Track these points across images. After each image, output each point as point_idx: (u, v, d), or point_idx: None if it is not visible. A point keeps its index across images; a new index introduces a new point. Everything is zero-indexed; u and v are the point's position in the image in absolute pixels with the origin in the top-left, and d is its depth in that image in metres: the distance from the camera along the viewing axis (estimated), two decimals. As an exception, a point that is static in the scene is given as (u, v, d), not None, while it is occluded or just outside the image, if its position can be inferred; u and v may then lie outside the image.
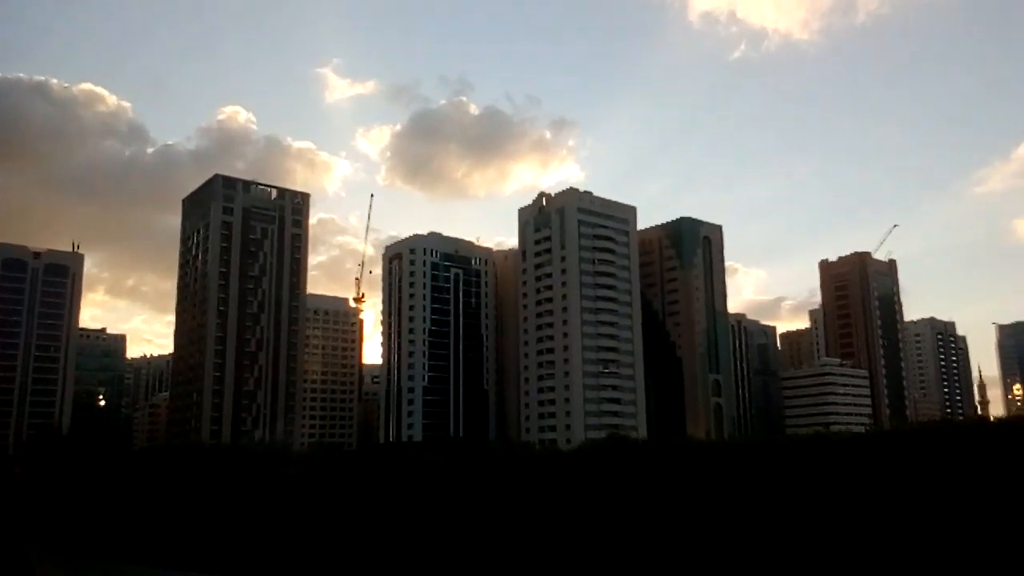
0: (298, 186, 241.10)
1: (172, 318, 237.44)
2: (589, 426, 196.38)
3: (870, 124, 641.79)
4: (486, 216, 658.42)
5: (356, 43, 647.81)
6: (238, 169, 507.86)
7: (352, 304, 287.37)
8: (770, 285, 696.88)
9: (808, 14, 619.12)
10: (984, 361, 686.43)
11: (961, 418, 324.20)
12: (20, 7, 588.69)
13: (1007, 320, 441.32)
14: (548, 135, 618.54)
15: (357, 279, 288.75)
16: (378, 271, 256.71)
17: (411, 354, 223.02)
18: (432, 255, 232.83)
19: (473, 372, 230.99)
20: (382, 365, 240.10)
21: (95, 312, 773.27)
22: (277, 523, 79.14)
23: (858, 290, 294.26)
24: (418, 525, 73.99)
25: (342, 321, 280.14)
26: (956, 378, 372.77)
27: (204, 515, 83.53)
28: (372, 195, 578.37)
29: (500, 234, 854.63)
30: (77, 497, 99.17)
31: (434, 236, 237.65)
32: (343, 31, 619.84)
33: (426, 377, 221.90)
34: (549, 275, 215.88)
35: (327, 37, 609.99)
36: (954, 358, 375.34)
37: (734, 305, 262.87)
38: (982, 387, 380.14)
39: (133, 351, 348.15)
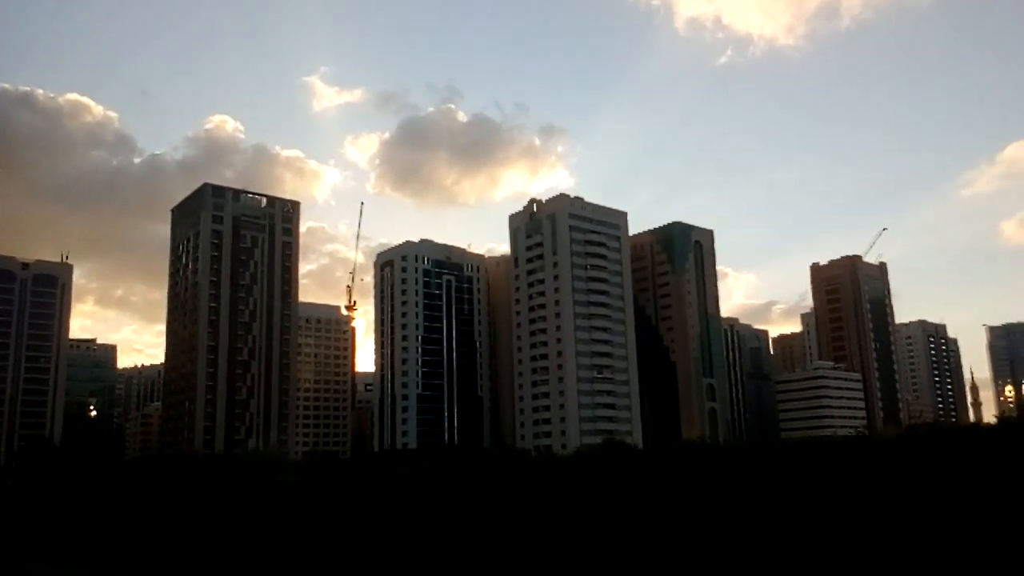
0: (287, 195, 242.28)
1: (162, 328, 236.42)
2: (584, 432, 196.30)
3: (856, 128, 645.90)
4: (476, 223, 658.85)
5: (344, 51, 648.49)
6: (226, 178, 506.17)
7: (344, 312, 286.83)
8: (760, 289, 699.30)
9: (793, 19, 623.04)
10: (975, 363, 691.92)
11: (954, 419, 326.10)
12: (5, 17, 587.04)
13: (997, 322, 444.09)
14: (537, 142, 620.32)
15: (349, 287, 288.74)
16: (369, 279, 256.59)
17: (404, 361, 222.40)
18: (424, 262, 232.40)
19: (467, 379, 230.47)
20: (375, 373, 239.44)
21: (84, 323, 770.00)
22: (271, 532, 78.49)
23: (849, 293, 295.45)
24: (414, 533, 73.44)
25: (334, 329, 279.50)
26: (948, 380, 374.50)
27: (198, 525, 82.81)
28: (362, 203, 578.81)
29: (491, 241, 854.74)
30: (70, 508, 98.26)
31: (426, 243, 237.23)
32: (330, 39, 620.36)
33: (420, 384, 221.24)
34: (541, 281, 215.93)
35: (315, 45, 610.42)
36: (946, 360, 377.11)
37: (725, 310, 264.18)
38: (974, 389, 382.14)
39: (123, 361, 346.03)
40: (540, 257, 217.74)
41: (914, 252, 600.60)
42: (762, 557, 58.03)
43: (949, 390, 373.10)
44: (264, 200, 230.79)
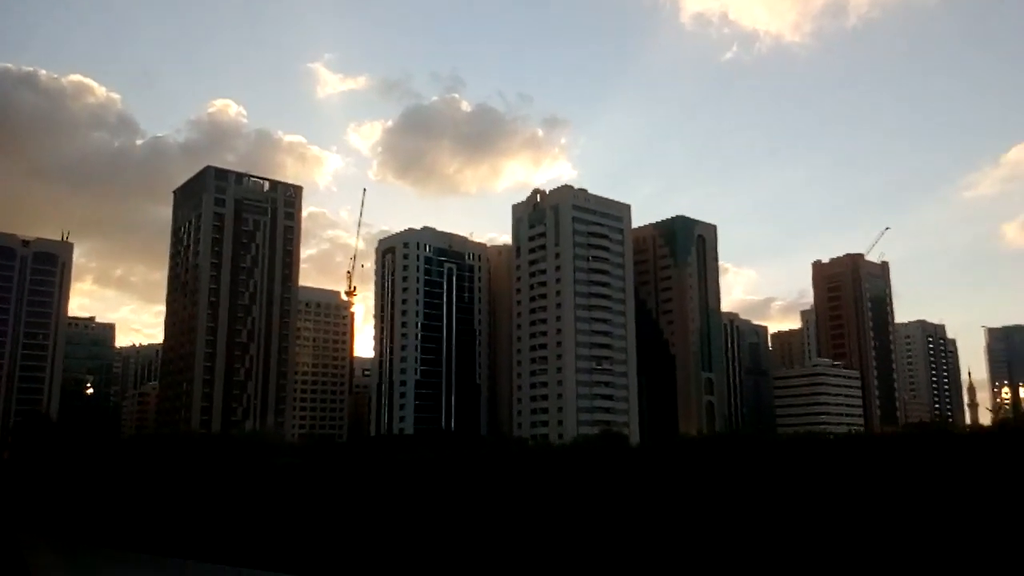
0: (289, 180, 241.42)
1: (160, 308, 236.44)
2: (581, 422, 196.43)
3: (860, 127, 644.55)
4: (478, 213, 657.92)
5: (348, 38, 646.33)
6: (228, 162, 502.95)
7: (344, 297, 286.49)
8: (759, 285, 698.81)
9: (799, 17, 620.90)
10: (973, 364, 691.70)
11: (950, 420, 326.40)
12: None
13: (996, 324, 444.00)
14: (540, 133, 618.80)
15: (349, 272, 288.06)
16: (369, 265, 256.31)
17: (403, 348, 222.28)
18: (425, 249, 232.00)
19: (465, 366, 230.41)
20: (374, 358, 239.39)
21: (83, 301, 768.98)
22: (267, 513, 78.36)
23: (851, 291, 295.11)
24: (410, 518, 73.29)
25: (333, 314, 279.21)
26: (946, 380, 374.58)
27: (194, 503, 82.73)
28: (364, 189, 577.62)
29: (491, 231, 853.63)
30: (65, 483, 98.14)
31: (428, 231, 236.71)
32: (335, 26, 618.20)
33: (418, 371, 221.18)
34: (543, 271, 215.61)
35: (319, 31, 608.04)
36: (944, 361, 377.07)
37: (724, 305, 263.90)
38: (971, 390, 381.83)
39: (121, 341, 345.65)
40: (542, 247, 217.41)
41: (915, 253, 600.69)
42: (757, 552, 58.00)
43: (946, 390, 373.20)
44: (266, 184, 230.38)
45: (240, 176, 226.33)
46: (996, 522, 49.08)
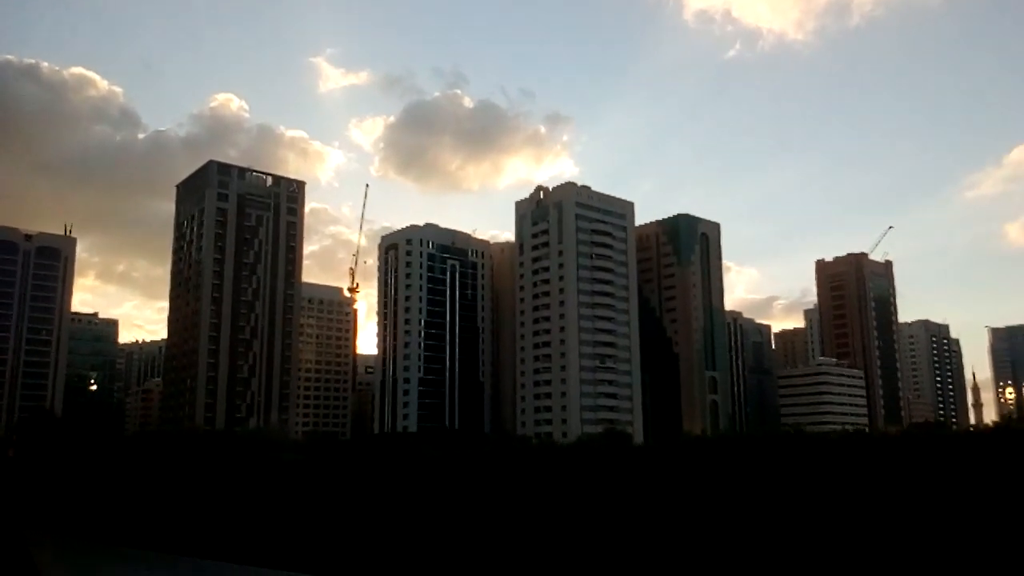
0: (291, 175, 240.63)
1: (163, 304, 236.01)
2: (585, 420, 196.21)
3: (862, 126, 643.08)
4: (479, 209, 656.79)
5: (350, 33, 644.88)
6: (230, 157, 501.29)
7: (346, 294, 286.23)
8: (762, 284, 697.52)
9: (803, 15, 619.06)
10: (977, 364, 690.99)
11: (954, 420, 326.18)
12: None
13: (999, 324, 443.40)
14: (543, 130, 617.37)
15: (351, 269, 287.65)
16: (371, 261, 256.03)
17: (407, 345, 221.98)
18: (428, 246, 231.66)
19: (469, 364, 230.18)
20: (377, 355, 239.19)
21: (85, 297, 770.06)
22: (272, 509, 78.20)
23: (854, 290, 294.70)
24: (416, 516, 73.09)
25: (336, 310, 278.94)
26: (950, 380, 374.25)
27: (199, 500, 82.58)
28: (367, 185, 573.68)
29: (493, 228, 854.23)
30: (70, 481, 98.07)
31: (431, 227, 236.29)
32: (337, 21, 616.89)
33: (421, 368, 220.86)
34: (546, 268, 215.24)
35: (321, 26, 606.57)
36: (948, 360, 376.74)
37: (726, 304, 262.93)
38: (976, 390, 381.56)
39: (124, 337, 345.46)
40: (545, 244, 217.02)
41: (917, 252, 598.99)
42: (758, 550, 57.73)
43: (950, 390, 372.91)
44: (269, 179, 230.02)
45: (243, 171, 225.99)
46: (1001, 519, 48.78)
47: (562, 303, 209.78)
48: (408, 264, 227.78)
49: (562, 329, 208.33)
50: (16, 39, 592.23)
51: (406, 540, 69.10)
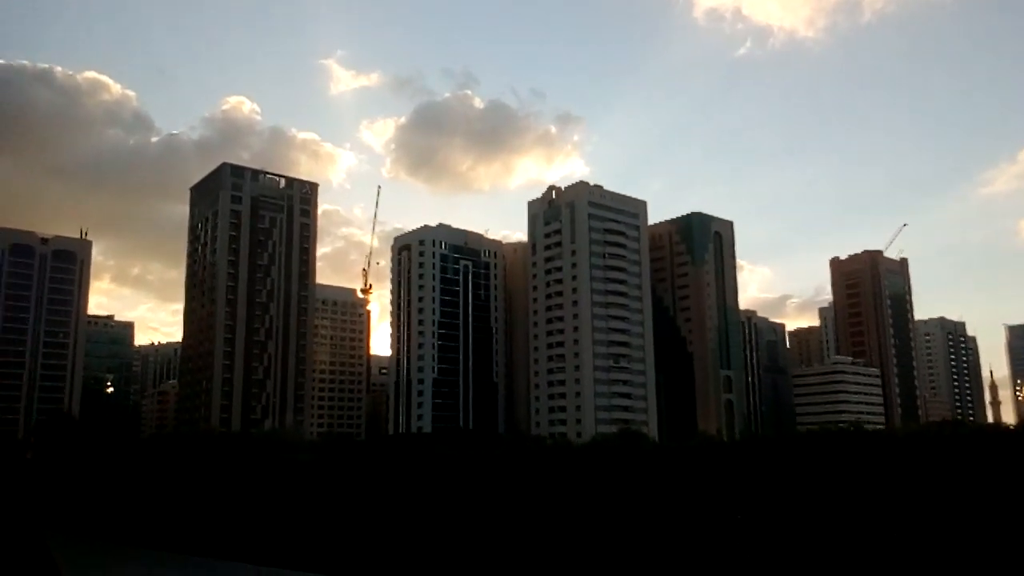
0: (303, 177, 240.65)
1: (177, 307, 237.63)
2: (599, 420, 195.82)
3: (874, 123, 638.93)
4: (490, 210, 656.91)
5: (361, 35, 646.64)
6: (243, 159, 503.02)
7: (359, 295, 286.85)
8: (774, 283, 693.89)
9: (813, 12, 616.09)
10: (994, 362, 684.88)
11: (971, 418, 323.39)
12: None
13: (1017, 321, 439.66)
14: (553, 130, 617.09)
15: (364, 270, 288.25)
16: (384, 262, 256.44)
17: (420, 346, 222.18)
18: (441, 247, 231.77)
19: (482, 364, 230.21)
20: (391, 356, 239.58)
21: (100, 300, 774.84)
22: (289, 510, 78.40)
23: (869, 288, 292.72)
24: (433, 516, 73.07)
25: (350, 312, 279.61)
26: (967, 378, 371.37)
27: (214, 501, 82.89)
28: (379, 187, 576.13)
29: (505, 228, 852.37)
30: (88, 482, 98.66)
31: (443, 228, 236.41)
32: (348, 23, 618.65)
33: (435, 369, 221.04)
34: (559, 268, 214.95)
35: (332, 28, 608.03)
36: (964, 358, 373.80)
37: (740, 303, 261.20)
38: (994, 388, 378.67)
39: (139, 339, 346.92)
40: (558, 244, 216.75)
41: (932, 250, 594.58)
42: (772, 551, 57.40)
43: (967, 388, 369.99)
44: (283, 181, 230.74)
45: (256, 173, 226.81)
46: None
47: (575, 303, 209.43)
48: (421, 265, 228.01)
49: (576, 329, 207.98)
50: (30, 44, 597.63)
51: (421, 540, 69.06)
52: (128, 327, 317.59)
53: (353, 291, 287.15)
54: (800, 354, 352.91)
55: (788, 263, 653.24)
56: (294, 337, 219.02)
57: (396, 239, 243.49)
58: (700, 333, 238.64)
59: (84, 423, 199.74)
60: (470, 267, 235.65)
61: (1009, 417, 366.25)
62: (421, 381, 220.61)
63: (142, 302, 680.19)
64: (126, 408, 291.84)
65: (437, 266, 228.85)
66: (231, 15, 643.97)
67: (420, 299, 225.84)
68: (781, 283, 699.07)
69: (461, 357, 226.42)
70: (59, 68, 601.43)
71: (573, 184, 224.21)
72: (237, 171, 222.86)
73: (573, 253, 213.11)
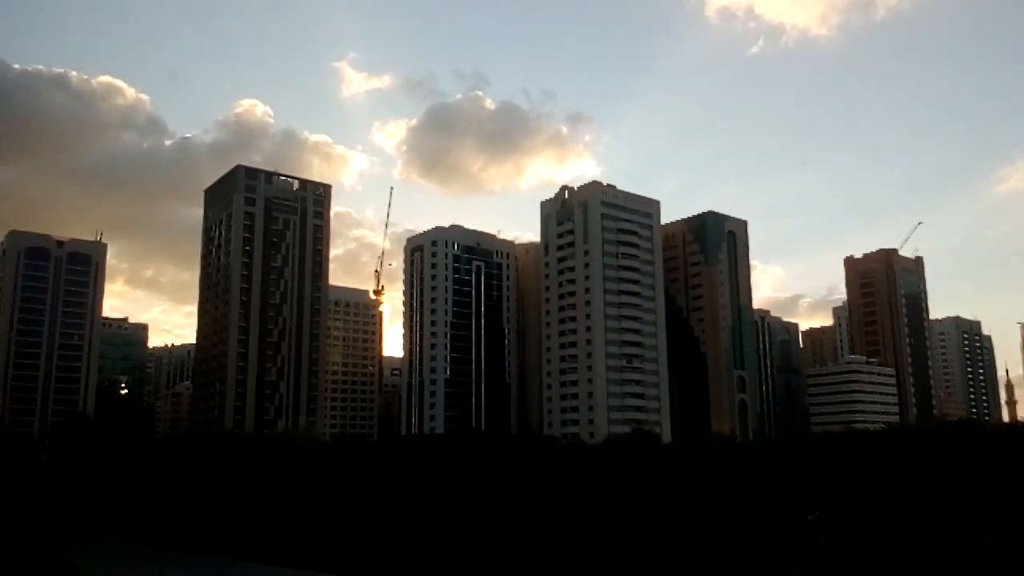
0: (315, 179, 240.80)
1: (190, 309, 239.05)
2: (612, 421, 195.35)
3: (887, 122, 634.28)
4: (502, 211, 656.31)
5: (372, 37, 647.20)
6: (255, 162, 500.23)
7: (372, 296, 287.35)
8: (787, 283, 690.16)
9: (827, 10, 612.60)
10: (1010, 361, 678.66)
11: (987, 417, 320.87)
12: (39, 0, 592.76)
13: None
14: (564, 130, 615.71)
15: (377, 271, 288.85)
16: (396, 264, 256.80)
17: (433, 346, 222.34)
18: (454, 247, 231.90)
19: (495, 365, 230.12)
20: (404, 357, 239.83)
21: (114, 302, 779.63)
22: (299, 511, 78.39)
23: (884, 287, 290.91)
24: (443, 517, 72.86)
25: (362, 313, 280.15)
26: (982, 377, 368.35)
27: (229, 502, 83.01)
28: (392, 188, 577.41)
29: (516, 229, 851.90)
30: (103, 483, 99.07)
31: (456, 228, 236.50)
32: (359, 25, 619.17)
33: (448, 369, 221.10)
34: (572, 268, 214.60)
35: (343, 31, 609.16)
36: (980, 357, 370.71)
37: (752, 302, 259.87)
38: (1009, 387, 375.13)
39: (152, 341, 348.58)
40: (571, 244, 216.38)
41: (946, 248, 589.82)
42: (791, 551, 56.95)
43: (983, 388, 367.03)
44: (296, 183, 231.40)
45: (270, 175, 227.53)
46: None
47: (588, 303, 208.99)
48: (434, 266, 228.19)
49: (588, 329, 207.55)
50: (46, 50, 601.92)
51: (435, 541, 68.92)
52: (142, 329, 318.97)
53: (365, 292, 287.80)
54: (813, 354, 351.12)
55: (800, 262, 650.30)
56: (307, 338, 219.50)
57: (409, 240, 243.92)
58: (713, 333, 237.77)
59: (99, 424, 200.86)
60: (482, 268, 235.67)
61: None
62: (434, 382, 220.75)
63: (155, 304, 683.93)
64: (140, 409, 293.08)
65: (450, 267, 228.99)
66: (243, 19, 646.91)
67: (433, 300, 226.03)
68: (793, 282, 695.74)
69: (473, 358, 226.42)
70: (74, 73, 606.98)
71: (586, 184, 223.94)
72: (251, 173, 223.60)
73: (586, 253, 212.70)
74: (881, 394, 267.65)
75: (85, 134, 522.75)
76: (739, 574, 57.04)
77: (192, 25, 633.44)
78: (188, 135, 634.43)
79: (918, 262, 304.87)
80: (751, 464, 70.75)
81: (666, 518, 64.13)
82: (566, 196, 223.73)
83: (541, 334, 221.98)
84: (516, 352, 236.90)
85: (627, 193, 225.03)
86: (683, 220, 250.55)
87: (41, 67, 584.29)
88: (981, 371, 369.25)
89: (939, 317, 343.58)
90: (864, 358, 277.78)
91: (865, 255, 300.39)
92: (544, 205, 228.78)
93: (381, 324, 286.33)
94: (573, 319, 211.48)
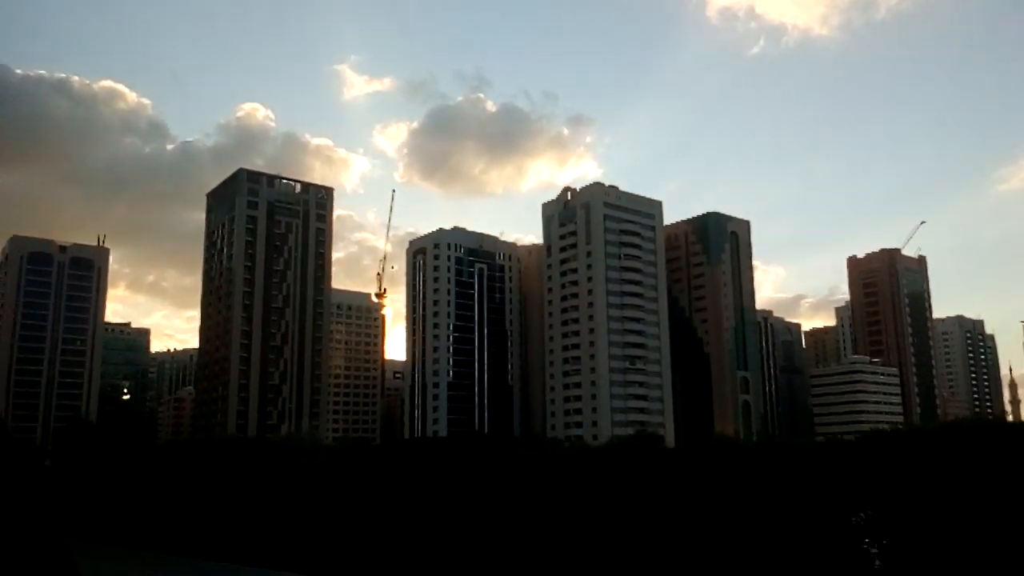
0: (317, 183, 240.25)
1: (192, 313, 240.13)
2: (616, 422, 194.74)
3: (889, 121, 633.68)
4: (503, 213, 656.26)
5: (373, 40, 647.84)
6: (257, 165, 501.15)
7: (374, 299, 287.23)
8: (788, 283, 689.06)
9: (827, 10, 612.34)
10: (1013, 360, 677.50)
11: (991, 417, 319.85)
12: (40, 5, 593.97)
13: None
14: (566, 132, 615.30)
15: (379, 274, 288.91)
16: (398, 267, 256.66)
17: (436, 349, 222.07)
18: (456, 250, 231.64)
19: (497, 367, 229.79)
20: (406, 360, 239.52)
21: (116, 307, 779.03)
22: (302, 515, 78.06)
23: (887, 287, 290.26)
24: (448, 520, 72.49)
25: (364, 316, 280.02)
26: (985, 377, 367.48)
27: (232, 507, 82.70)
28: (394, 191, 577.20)
29: (517, 231, 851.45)
30: (106, 488, 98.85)
31: (458, 231, 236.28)
32: (360, 28, 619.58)
33: (451, 372, 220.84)
34: (575, 270, 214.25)
35: (344, 34, 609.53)
36: (983, 357, 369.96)
37: (755, 302, 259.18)
38: (1013, 386, 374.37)
39: (154, 346, 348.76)
40: (573, 246, 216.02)
41: (948, 248, 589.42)
42: (789, 553, 56.57)
43: (986, 387, 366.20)
44: (298, 186, 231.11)
45: (272, 178, 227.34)
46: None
47: (591, 304, 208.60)
48: (436, 268, 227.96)
49: (591, 331, 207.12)
50: (47, 54, 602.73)
51: (438, 544, 68.54)
52: (144, 334, 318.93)
53: (368, 295, 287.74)
54: (816, 354, 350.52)
55: (802, 263, 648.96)
56: (310, 342, 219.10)
57: (411, 243, 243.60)
58: (717, 334, 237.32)
59: (101, 430, 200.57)
60: (485, 270, 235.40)
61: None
62: (436, 384, 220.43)
63: (157, 309, 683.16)
64: (142, 414, 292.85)
65: (452, 269, 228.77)
66: (244, 23, 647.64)
67: (435, 302, 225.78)
68: (795, 283, 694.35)
69: (476, 360, 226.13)
70: (76, 78, 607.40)
71: (588, 185, 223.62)
72: (253, 176, 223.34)
73: (588, 254, 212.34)
74: (885, 394, 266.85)
75: (87, 139, 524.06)
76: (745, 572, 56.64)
77: (193, 29, 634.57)
78: (190, 139, 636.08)
79: (921, 261, 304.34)
80: (756, 465, 70.20)
81: (671, 521, 63.70)
82: (568, 197, 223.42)
83: (544, 336, 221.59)
84: (519, 354, 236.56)
85: (629, 194, 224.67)
86: (686, 221, 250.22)
87: (43, 72, 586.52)
88: (984, 370, 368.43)
89: (942, 317, 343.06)
90: (868, 358, 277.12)
91: (868, 255, 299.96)
92: (546, 207, 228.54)
93: (383, 327, 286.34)
94: (576, 320, 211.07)
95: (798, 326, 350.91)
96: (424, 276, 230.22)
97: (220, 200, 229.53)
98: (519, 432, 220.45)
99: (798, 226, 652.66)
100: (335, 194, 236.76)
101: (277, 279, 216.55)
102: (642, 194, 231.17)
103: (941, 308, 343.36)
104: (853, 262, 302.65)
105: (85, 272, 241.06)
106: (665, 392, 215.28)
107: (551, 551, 64.71)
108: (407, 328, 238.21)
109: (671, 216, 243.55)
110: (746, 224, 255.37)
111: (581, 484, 74.69)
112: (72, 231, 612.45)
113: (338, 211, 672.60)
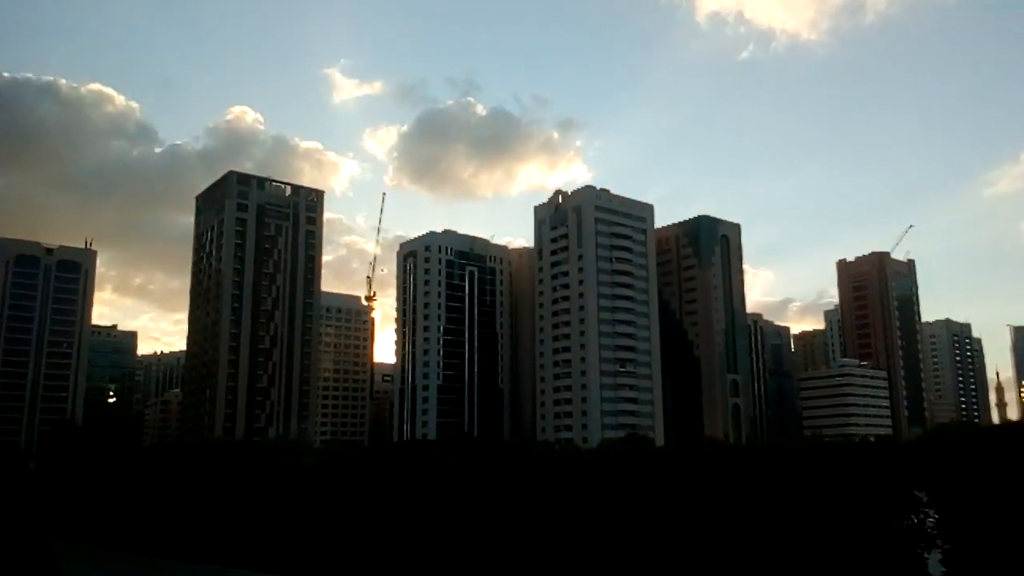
0: (306, 186, 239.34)
1: (179, 316, 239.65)
2: (606, 425, 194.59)
3: (878, 126, 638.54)
4: (493, 217, 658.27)
5: (363, 44, 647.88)
6: (246, 169, 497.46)
7: (363, 302, 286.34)
8: (777, 286, 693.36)
9: (816, 14, 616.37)
10: (1000, 363, 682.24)
11: (977, 420, 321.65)
12: (28, 7, 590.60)
13: (1022, 322, 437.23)
14: (556, 135, 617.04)
15: (368, 277, 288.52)
16: (387, 270, 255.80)
17: (426, 352, 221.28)
18: (447, 253, 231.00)
19: (488, 370, 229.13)
20: (396, 363, 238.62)
21: (103, 310, 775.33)
22: (290, 518, 77.43)
23: (877, 290, 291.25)
24: (437, 524, 71.97)
25: (354, 319, 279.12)
26: (972, 380, 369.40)
27: (220, 509, 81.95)
28: (384, 194, 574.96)
29: (508, 235, 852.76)
30: (91, 491, 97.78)
31: (449, 234, 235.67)
32: (350, 32, 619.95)
33: (440, 375, 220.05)
34: (566, 273, 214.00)
35: (334, 37, 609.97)
36: (970, 360, 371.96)
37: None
38: (1000, 390, 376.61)
39: (141, 349, 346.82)
40: (564, 249, 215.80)
41: (936, 252, 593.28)
42: (779, 556, 56.33)
43: (973, 391, 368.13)
44: (288, 189, 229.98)
45: (262, 181, 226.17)
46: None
47: (582, 307, 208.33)
48: (427, 271, 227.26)
49: (582, 334, 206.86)
50: (35, 57, 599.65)
51: (427, 548, 68.05)
52: (131, 337, 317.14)
53: (357, 299, 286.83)
54: (804, 357, 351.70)
55: (790, 266, 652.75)
56: (299, 345, 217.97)
57: (402, 245, 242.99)
58: (707, 337, 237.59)
59: (87, 432, 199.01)
60: (476, 273, 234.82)
61: (1015, 419, 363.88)
62: (426, 387, 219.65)
63: (144, 312, 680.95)
64: (129, 417, 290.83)
65: (443, 272, 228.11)
66: (233, 26, 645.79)
67: (426, 305, 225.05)
68: (783, 286, 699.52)
69: (466, 363, 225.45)
70: (63, 81, 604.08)
71: (579, 188, 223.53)
72: (243, 179, 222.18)
73: (579, 257, 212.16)
74: (873, 397, 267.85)
75: (75, 142, 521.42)
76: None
77: (182, 32, 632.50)
78: (178, 142, 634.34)
79: (910, 265, 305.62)
80: (746, 467, 69.96)
81: (661, 524, 63.35)
82: (560, 201, 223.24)
83: (534, 339, 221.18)
84: (509, 357, 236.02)
85: (620, 197, 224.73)
86: (676, 224, 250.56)
87: (30, 75, 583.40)
88: (972, 374, 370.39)
89: (929, 320, 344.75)
90: (856, 361, 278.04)
91: (858, 258, 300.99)
92: (538, 210, 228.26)
93: (373, 330, 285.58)
94: (567, 323, 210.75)
95: (787, 329, 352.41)
96: (414, 279, 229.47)
97: (209, 203, 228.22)
98: (509, 435, 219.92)
99: (787, 230, 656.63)
100: (324, 197, 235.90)
101: (266, 282, 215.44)
102: (633, 197, 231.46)
103: (929, 312, 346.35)
104: (842, 265, 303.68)
105: (72, 275, 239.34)
106: (655, 395, 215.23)
107: (541, 554, 64.27)
108: (397, 331, 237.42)
109: (662, 220, 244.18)
110: (736, 227, 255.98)
111: (571, 487, 74.27)
112: (60, 234, 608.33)
113: (327, 214, 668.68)
